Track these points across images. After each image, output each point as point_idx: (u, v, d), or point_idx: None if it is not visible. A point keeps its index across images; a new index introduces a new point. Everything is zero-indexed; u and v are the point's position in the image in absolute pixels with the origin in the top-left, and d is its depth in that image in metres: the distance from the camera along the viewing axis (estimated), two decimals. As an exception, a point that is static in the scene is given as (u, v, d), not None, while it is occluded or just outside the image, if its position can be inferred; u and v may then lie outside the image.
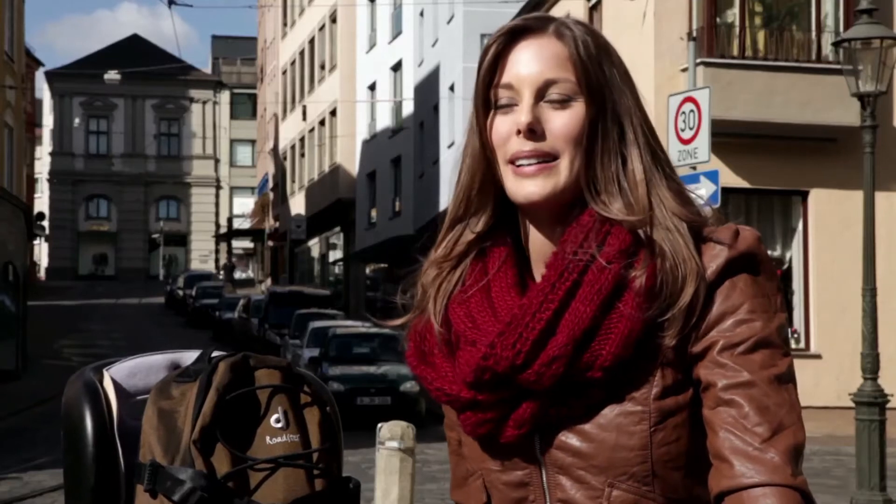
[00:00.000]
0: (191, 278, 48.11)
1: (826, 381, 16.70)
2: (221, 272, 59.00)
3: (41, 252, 69.47)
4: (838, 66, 12.42)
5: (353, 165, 43.47)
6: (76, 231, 68.90)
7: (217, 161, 71.21)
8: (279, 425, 1.58)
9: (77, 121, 68.36)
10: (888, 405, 10.49)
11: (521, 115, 1.56)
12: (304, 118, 48.91)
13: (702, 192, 11.09)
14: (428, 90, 34.87)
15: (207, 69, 73.84)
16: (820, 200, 17.77)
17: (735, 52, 17.40)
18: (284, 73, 54.01)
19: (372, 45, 41.34)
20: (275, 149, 56.71)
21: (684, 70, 15.41)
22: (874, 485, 10.07)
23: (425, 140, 35.05)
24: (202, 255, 70.61)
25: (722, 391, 1.49)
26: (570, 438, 1.54)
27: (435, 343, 1.63)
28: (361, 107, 42.26)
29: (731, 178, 16.73)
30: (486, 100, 1.61)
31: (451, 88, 31.98)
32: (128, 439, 1.63)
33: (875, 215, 10.72)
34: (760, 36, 17.94)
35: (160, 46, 71.59)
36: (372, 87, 41.45)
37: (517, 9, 23.95)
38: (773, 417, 1.47)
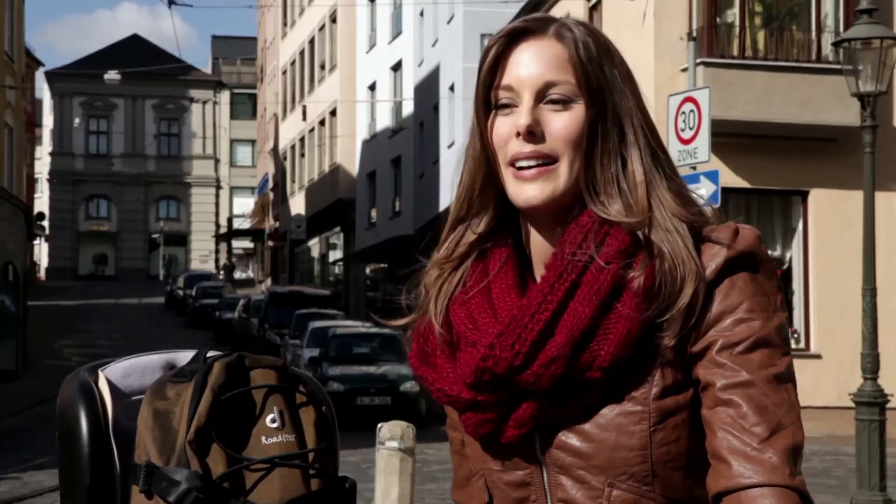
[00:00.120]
0: (191, 278, 48.10)
1: (826, 381, 16.70)
2: (221, 272, 59.00)
3: (41, 252, 69.49)
4: (838, 66, 12.42)
5: (353, 165, 43.48)
6: (76, 231, 68.92)
7: (217, 161, 71.24)
8: (275, 425, 1.58)
9: (77, 121, 68.39)
10: (888, 405, 10.49)
11: (521, 118, 1.56)
12: (304, 118, 48.93)
13: (702, 192, 11.07)
14: (428, 90, 34.87)
15: (207, 69, 73.87)
16: (820, 200, 17.78)
17: (735, 52, 17.40)
18: (284, 73, 54.03)
19: (372, 45, 41.35)
20: (275, 149, 56.72)
21: (684, 70, 15.41)
22: (874, 485, 10.07)
23: (425, 140, 35.06)
24: (202, 255, 70.63)
25: (720, 391, 1.49)
26: (570, 438, 1.54)
27: (437, 344, 1.63)
28: (361, 107, 42.27)
29: (731, 178, 16.74)
30: (487, 101, 1.61)
31: (451, 88, 31.99)
32: (123, 440, 1.63)
33: (875, 215, 10.72)
34: (760, 36, 17.94)
35: (160, 46, 71.68)
36: (372, 87, 41.47)
37: (517, 9, 23.96)
38: (772, 417, 1.47)
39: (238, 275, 61.85)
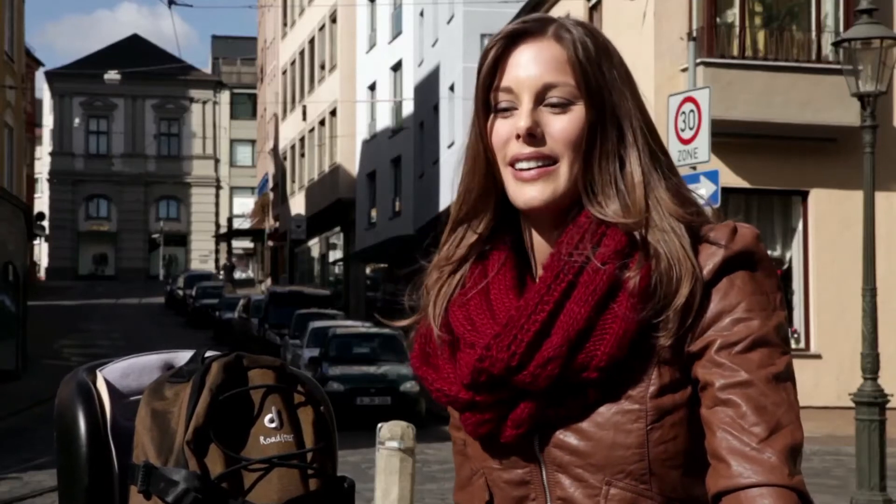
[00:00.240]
0: (191, 278, 48.11)
1: (826, 381, 16.71)
2: (221, 272, 59.01)
3: (41, 252, 69.50)
4: (838, 66, 12.42)
5: (353, 165, 43.49)
6: (76, 231, 68.92)
7: (217, 161, 71.25)
8: (273, 425, 1.58)
9: (77, 121, 68.39)
10: (888, 405, 10.49)
11: (521, 120, 1.57)
12: (304, 118, 48.93)
13: (702, 192, 11.08)
14: (428, 90, 34.88)
15: (207, 69, 73.88)
16: (820, 200, 17.78)
17: (735, 52, 17.40)
18: (284, 73, 54.04)
19: (372, 45, 41.35)
20: (275, 149, 56.73)
21: (684, 70, 15.41)
22: (874, 485, 10.07)
23: (425, 140, 35.06)
24: (202, 255, 70.64)
25: (719, 391, 1.49)
26: (568, 437, 1.54)
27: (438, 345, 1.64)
28: (361, 107, 42.27)
29: (731, 178, 16.74)
30: (486, 103, 1.62)
31: (451, 88, 31.99)
32: (121, 440, 1.63)
33: (875, 215, 10.72)
34: (760, 36, 17.94)
35: (160, 46, 71.68)
36: (372, 87, 41.47)
37: (517, 9, 23.96)
38: (771, 417, 1.47)
39: (238, 275, 61.85)
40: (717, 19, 17.49)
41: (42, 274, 68.26)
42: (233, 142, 71.91)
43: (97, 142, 70.16)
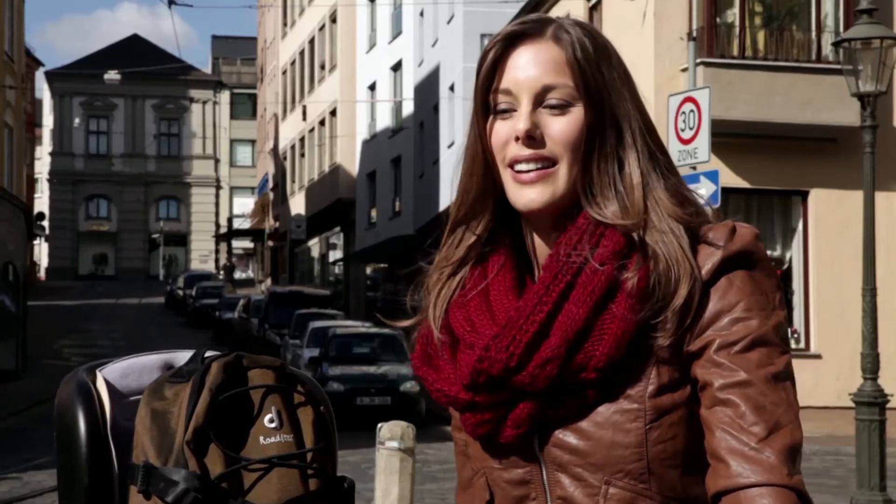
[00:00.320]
0: (191, 278, 48.12)
1: (826, 381, 16.70)
2: (221, 272, 59.01)
3: (41, 252, 69.49)
4: (838, 66, 12.41)
5: (353, 165, 43.49)
6: (76, 231, 68.93)
7: (217, 161, 71.25)
8: (273, 425, 1.58)
9: (77, 121, 68.39)
10: (888, 405, 10.49)
11: (520, 122, 1.57)
12: (304, 118, 48.93)
13: (702, 192, 11.07)
14: (428, 90, 34.88)
15: (207, 69, 73.87)
16: (820, 200, 17.78)
17: (735, 52, 17.40)
18: (284, 73, 54.04)
19: (372, 45, 41.35)
20: (275, 149, 56.73)
21: (684, 70, 15.41)
22: (874, 485, 10.07)
23: (425, 140, 35.06)
24: (202, 255, 70.64)
25: (718, 391, 1.49)
26: (567, 436, 1.55)
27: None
28: (361, 107, 42.27)
29: (731, 178, 16.74)
30: (486, 104, 1.62)
31: (451, 88, 31.99)
32: (121, 440, 1.63)
33: (875, 215, 10.72)
34: (760, 36, 17.94)
35: (160, 46, 71.67)
36: (372, 87, 41.47)
37: (517, 9, 23.96)
38: (770, 417, 1.47)
39: (238, 275, 61.85)
40: (717, 19, 17.49)
41: (42, 274, 68.26)
42: (233, 142, 71.91)
43: (97, 142, 70.16)
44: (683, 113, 12.44)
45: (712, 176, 12.53)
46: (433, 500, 11.71)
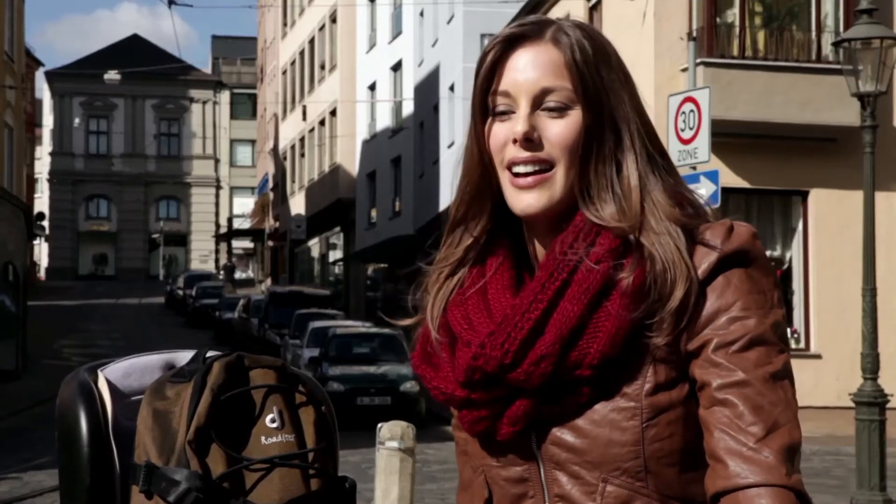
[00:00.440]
0: (191, 278, 48.12)
1: (826, 381, 16.71)
2: (221, 272, 59.00)
3: (41, 252, 69.49)
4: (838, 66, 12.42)
5: (353, 165, 43.48)
6: (76, 231, 68.92)
7: (217, 161, 71.24)
8: (274, 425, 1.58)
9: (77, 121, 68.38)
10: (888, 405, 10.49)
11: (518, 125, 1.58)
12: (304, 118, 48.93)
13: (702, 192, 11.07)
14: (428, 90, 34.87)
15: (207, 69, 73.86)
16: (820, 200, 17.78)
17: (735, 52, 17.40)
18: (284, 73, 54.03)
19: (372, 45, 41.35)
20: (275, 149, 56.73)
21: (684, 70, 15.41)
22: (874, 485, 10.07)
23: (425, 140, 35.06)
24: (202, 255, 70.63)
25: (716, 391, 1.49)
26: (564, 434, 1.55)
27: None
28: (361, 107, 42.27)
29: (731, 178, 16.74)
30: (484, 106, 1.62)
31: (451, 88, 31.99)
32: (123, 440, 1.63)
33: (875, 215, 10.72)
34: (760, 36, 17.94)
35: (160, 46, 71.67)
36: (372, 87, 41.47)
37: (517, 9, 23.96)
38: (768, 416, 1.47)
39: (238, 275, 61.84)
40: (717, 19, 17.49)
41: (42, 274, 68.25)
42: (233, 142, 71.90)
43: (97, 142, 70.15)
44: (683, 113, 12.45)
45: (712, 176, 12.54)
46: (433, 500, 11.71)
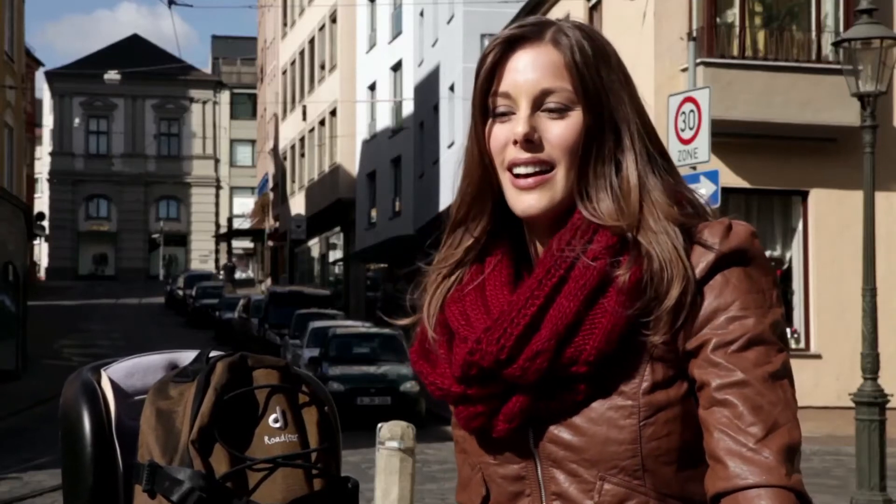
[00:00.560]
0: (191, 278, 48.11)
1: (826, 381, 16.70)
2: (221, 272, 58.99)
3: (41, 252, 69.47)
4: (838, 66, 12.42)
5: (353, 165, 43.48)
6: (76, 231, 68.91)
7: (217, 161, 71.23)
8: (277, 425, 1.59)
9: (77, 121, 68.37)
10: (888, 405, 10.49)
11: (518, 126, 1.58)
12: (304, 118, 48.92)
13: (702, 192, 11.06)
14: (428, 90, 34.87)
15: (207, 69, 73.85)
16: (820, 200, 17.78)
17: (735, 52, 17.40)
18: (284, 73, 54.02)
19: (372, 45, 41.35)
20: (275, 149, 56.72)
21: (684, 70, 15.42)
22: (874, 485, 10.07)
23: (425, 140, 35.05)
24: (202, 255, 70.62)
25: (716, 391, 1.50)
26: (561, 432, 1.55)
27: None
28: (361, 107, 42.27)
29: (731, 178, 16.74)
30: (484, 107, 1.63)
31: (451, 88, 31.98)
32: (126, 439, 1.63)
33: (875, 215, 10.72)
34: (760, 36, 17.94)
35: (160, 46, 71.66)
36: (372, 87, 41.46)
37: (517, 9, 23.96)
38: (768, 416, 1.47)
39: (238, 275, 61.83)
40: (717, 19, 17.49)
41: (42, 274, 68.23)
42: (233, 142, 71.89)
43: (97, 142, 70.13)
44: (683, 113, 12.45)
45: (712, 176, 12.54)
46: (433, 500, 11.71)
